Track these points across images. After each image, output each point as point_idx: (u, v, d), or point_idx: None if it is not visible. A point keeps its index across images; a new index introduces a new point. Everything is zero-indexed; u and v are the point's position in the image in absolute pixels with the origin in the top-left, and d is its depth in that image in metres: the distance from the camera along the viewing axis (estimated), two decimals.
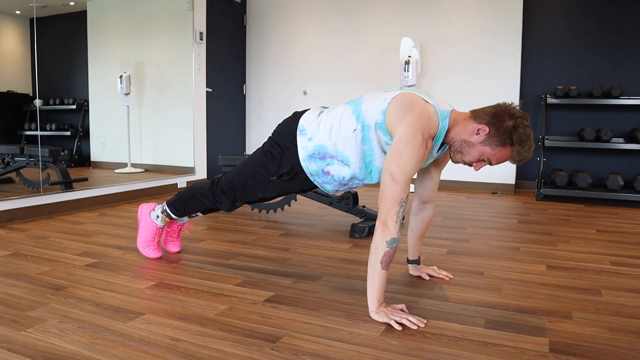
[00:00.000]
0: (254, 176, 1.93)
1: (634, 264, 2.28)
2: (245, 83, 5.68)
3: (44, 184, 3.25)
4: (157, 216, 2.22)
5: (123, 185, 3.83)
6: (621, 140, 4.32)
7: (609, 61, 4.38)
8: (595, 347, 1.42)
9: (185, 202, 2.14)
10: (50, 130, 3.55)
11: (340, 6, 5.16)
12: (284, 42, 5.46)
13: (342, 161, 1.77)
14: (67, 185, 3.41)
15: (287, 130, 1.86)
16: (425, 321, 1.57)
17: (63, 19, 3.58)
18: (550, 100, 4.35)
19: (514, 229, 3.02)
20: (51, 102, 3.52)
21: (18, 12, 3.22)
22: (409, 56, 4.49)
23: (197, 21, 4.48)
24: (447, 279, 2.03)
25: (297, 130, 1.83)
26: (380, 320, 1.57)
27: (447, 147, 1.76)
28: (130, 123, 4.14)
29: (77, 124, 3.79)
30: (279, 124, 1.94)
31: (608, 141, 4.15)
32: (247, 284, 1.94)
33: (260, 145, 1.97)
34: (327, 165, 1.80)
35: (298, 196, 4.05)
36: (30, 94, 3.32)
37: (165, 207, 2.21)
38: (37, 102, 3.34)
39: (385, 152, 1.70)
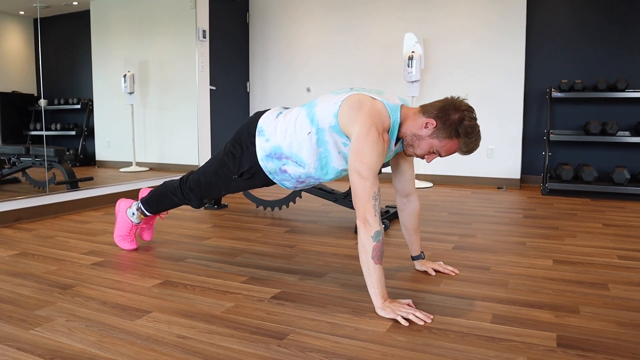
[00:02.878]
0: (217, 174, 2.02)
1: None
2: (248, 80, 5.68)
3: (49, 183, 3.26)
4: (133, 213, 2.34)
5: (128, 184, 3.84)
6: (627, 133, 4.29)
7: (614, 54, 4.35)
8: (603, 341, 1.41)
9: (157, 201, 2.26)
10: (55, 130, 3.57)
11: (343, 2, 5.14)
12: (287, 39, 5.45)
13: (296, 162, 1.84)
14: (73, 184, 3.42)
15: (247, 130, 1.94)
16: (432, 317, 1.57)
17: (66, 19, 3.59)
18: (555, 94, 4.33)
19: (519, 224, 3.01)
20: (56, 102, 3.53)
21: (22, 12, 3.23)
22: (413, 52, 4.47)
23: (200, 19, 4.48)
24: (453, 274, 2.03)
25: (256, 130, 1.90)
26: (387, 316, 1.57)
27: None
28: (135, 122, 4.15)
29: (82, 124, 3.80)
30: (241, 124, 2.01)
31: (614, 134, 4.13)
32: (253, 281, 1.95)
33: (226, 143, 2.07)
34: (283, 165, 1.87)
35: (303, 193, 4.06)
36: (35, 94, 3.33)
37: (140, 205, 2.31)
38: (42, 102, 3.35)
39: (341, 154, 1.77)
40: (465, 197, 4.05)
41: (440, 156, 1.73)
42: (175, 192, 2.18)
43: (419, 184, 4.68)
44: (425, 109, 1.70)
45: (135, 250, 2.39)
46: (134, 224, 2.36)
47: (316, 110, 1.76)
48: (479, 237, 2.67)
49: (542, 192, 4.24)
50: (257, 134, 1.89)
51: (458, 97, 1.69)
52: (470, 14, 4.65)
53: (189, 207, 3.53)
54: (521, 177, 4.73)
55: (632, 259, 2.26)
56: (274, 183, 2.00)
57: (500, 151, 4.67)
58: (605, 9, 4.34)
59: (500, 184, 4.69)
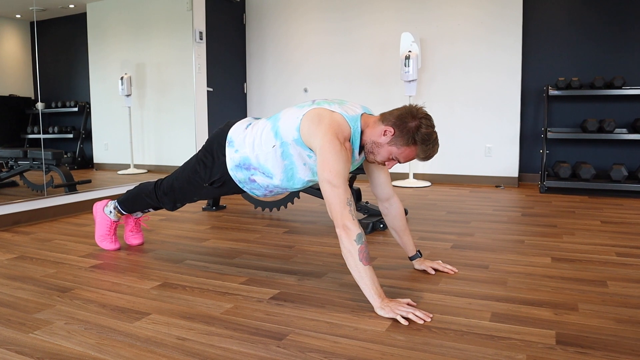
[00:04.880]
0: (189, 181, 2.08)
1: (639, 255, 2.27)
2: (245, 82, 5.68)
3: (47, 186, 3.26)
4: (110, 211, 2.40)
5: (126, 186, 3.84)
6: (624, 130, 4.30)
7: (610, 52, 4.35)
8: (602, 338, 1.41)
9: (132, 201, 2.31)
10: (53, 133, 3.56)
11: (339, 3, 5.15)
12: (284, 40, 5.46)
13: (264, 173, 1.89)
14: (71, 187, 3.41)
15: (218, 140, 1.99)
16: (431, 315, 1.57)
17: (63, 22, 3.59)
18: (552, 92, 4.34)
19: (518, 222, 3.02)
20: (53, 105, 3.53)
21: (18, 15, 3.22)
22: (409, 51, 4.48)
23: (197, 21, 4.48)
24: (452, 273, 2.03)
25: (226, 141, 1.95)
26: (386, 315, 1.57)
27: None
28: (132, 124, 4.15)
29: (80, 126, 3.80)
30: (213, 133, 2.06)
31: (611, 132, 4.13)
32: (252, 282, 1.95)
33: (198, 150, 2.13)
34: (252, 175, 1.92)
35: (301, 194, 4.06)
36: (32, 98, 3.32)
37: (116, 204, 2.37)
38: (39, 105, 3.35)
39: (307, 165, 1.82)
40: (463, 196, 4.05)
41: (400, 162, 1.78)
42: (150, 195, 2.23)
43: (417, 183, 4.69)
44: (384, 117, 1.75)
45: (118, 250, 2.42)
46: (112, 220, 2.40)
47: (280, 124, 1.80)
48: (477, 236, 2.67)
49: (540, 190, 4.24)
50: (227, 144, 1.94)
51: (416, 105, 1.74)
52: (466, 14, 4.66)
53: (187, 208, 3.53)
54: (519, 175, 4.74)
55: (630, 255, 2.26)
56: (244, 191, 2.05)
57: (498, 150, 4.68)
58: (601, 7, 4.35)
59: (498, 183, 4.69)
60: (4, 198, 3.03)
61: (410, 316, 1.55)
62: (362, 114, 1.80)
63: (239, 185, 1.99)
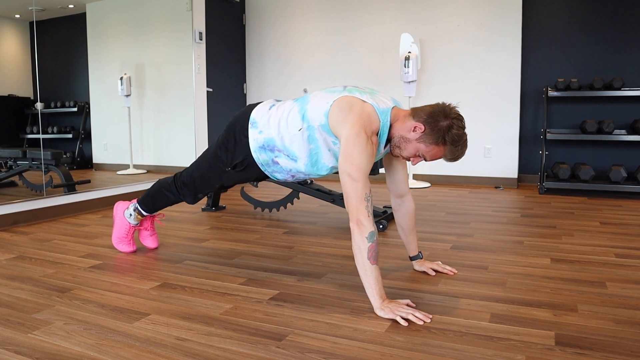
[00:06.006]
0: (211, 168, 2.03)
1: (638, 256, 2.28)
2: (245, 82, 5.68)
3: (46, 186, 3.25)
4: (130, 214, 2.34)
5: (126, 186, 3.84)
6: (623, 132, 4.31)
7: (609, 53, 4.36)
8: (601, 339, 1.42)
9: (152, 199, 2.26)
10: (52, 133, 3.56)
11: (339, 4, 5.15)
12: (284, 41, 5.46)
13: (288, 156, 1.85)
14: (70, 187, 3.41)
15: (240, 122, 1.94)
16: (431, 316, 1.57)
17: (63, 22, 3.58)
18: (552, 93, 4.34)
19: (517, 223, 3.02)
20: (52, 105, 3.52)
21: (17, 15, 3.22)
22: (409, 52, 4.48)
23: (197, 21, 4.48)
24: (452, 274, 2.03)
25: (249, 122, 1.91)
26: (386, 316, 1.57)
27: None
28: (132, 124, 4.14)
29: (79, 127, 3.79)
30: (233, 116, 2.01)
31: (610, 133, 4.14)
32: (252, 283, 1.95)
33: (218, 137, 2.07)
34: (276, 157, 1.88)
35: (301, 194, 4.06)
36: (32, 98, 3.32)
37: (137, 205, 2.31)
38: (39, 105, 3.34)
39: (331, 151, 1.78)
40: (462, 197, 4.06)
41: (425, 160, 1.75)
42: (170, 189, 2.18)
43: (417, 184, 4.69)
44: (415, 112, 1.71)
45: (134, 252, 2.39)
46: (131, 225, 2.36)
47: (308, 107, 1.77)
48: (476, 237, 2.67)
49: (539, 191, 4.25)
50: (250, 125, 1.90)
51: (449, 104, 1.69)
52: (466, 15, 4.66)
53: (186, 208, 3.53)
54: (518, 176, 4.74)
55: (629, 257, 2.27)
56: (267, 176, 2.01)
57: (497, 151, 4.68)
58: (600, 8, 4.36)
59: (497, 184, 4.69)
60: (3, 198, 3.03)
61: (410, 317, 1.54)
62: (392, 107, 1.76)
63: (261, 168, 1.94)
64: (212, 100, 4.99)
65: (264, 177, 2.04)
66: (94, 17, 3.79)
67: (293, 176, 1.95)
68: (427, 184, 4.75)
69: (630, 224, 2.97)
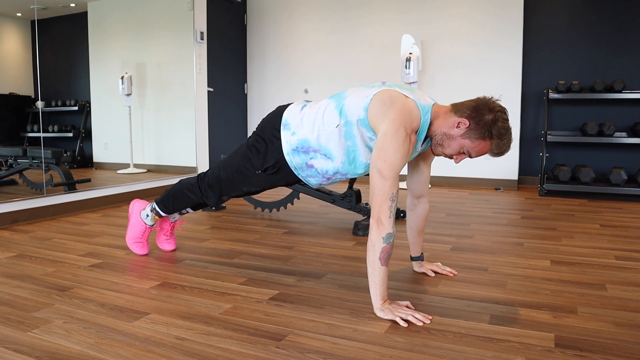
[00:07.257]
0: (239, 170, 1.95)
1: (638, 258, 2.28)
2: (246, 82, 5.68)
3: (47, 185, 3.25)
4: (147, 215, 2.27)
5: (126, 185, 3.84)
6: (624, 134, 4.31)
7: (611, 55, 4.36)
8: (600, 341, 1.41)
9: (173, 199, 2.18)
10: (53, 131, 3.56)
11: (340, 4, 5.15)
12: (285, 41, 5.46)
13: (325, 155, 1.78)
14: (70, 186, 3.41)
15: (271, 124, 1.88)
16: (430, 317, 1.57)
17: (64, 21, 3.59)
18: (552, 95, 4.34)
19: (517, 225, 3.02)
20: (53, 103, 3.53)
21: (19, 14, 3.22)
22: (410, 53, 4.48)
23: (198, 21, 4.48)
24: (452, 275, 2.03)
25: (281, 124, 1.85)
26: (386, 317, 1.57)
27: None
28: (132, 123, 4.14)
29: (79, 125, 3.80)
30: (263, 118, 1.96)
31: (611, 135, 4.14)
32: (251, 283, 1.95)
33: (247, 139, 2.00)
34: (311, 159, 1.81)
35: (301, 194, 4.06)
36: (32, 96, 3.32)
37: (154, 205, 2.24)
38: (39, 104, 3.35)
39: (368, 148, 1.72)
40: (462, 198, 4.05)
41: (470, 157, 1.68)
42: (193, 189, 2.10)
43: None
44: (456, 108, 1.65)
45: (147, 255, 2.34)
46: (147, 226, 2.29)
47: (345, 102, 1.72)
48: (476, 238, 2.67)
49: (540, 193, 4.24)
50: (282, 127, 1.83)
51: (491, 98, 1.64)
52: (467, 15, 4.66)
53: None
54: (519, 178, 4.74)
55: (629, 259, 2.26)
56: (298, 181, 1.94)
57: None
58: (602, 10, 4.36)
59: (497, 185, 4.69)
60: (3, 196, 3.03)
61: (410, 318, 1.54)
62: (433, 104, 1.70)
63: (294, 171, 1.87)
64: (213, 100, 4.99)
65: (295, 182, 1.97)
66: (95, 16, 3.79)
67: (328, 179, 1.87)
68: (428, 185, 4.74)
69: (631, 227, 2.97)
